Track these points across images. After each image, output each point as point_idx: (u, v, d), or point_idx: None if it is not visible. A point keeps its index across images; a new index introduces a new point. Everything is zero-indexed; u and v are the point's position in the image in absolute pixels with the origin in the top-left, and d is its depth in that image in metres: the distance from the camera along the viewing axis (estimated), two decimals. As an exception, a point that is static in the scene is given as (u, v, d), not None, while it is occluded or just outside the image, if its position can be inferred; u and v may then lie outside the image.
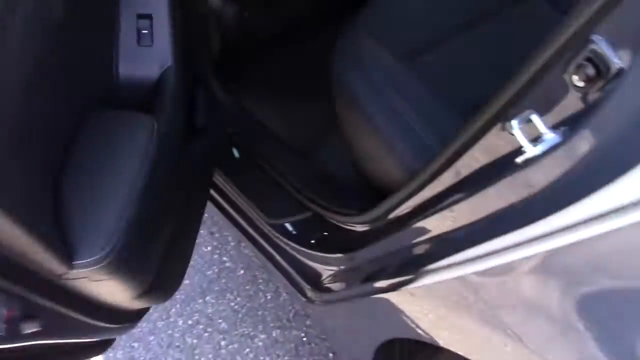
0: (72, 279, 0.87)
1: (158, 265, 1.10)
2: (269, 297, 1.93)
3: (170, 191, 1.13)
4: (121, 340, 1.87)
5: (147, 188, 0.94)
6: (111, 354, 1.86)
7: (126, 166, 0.93)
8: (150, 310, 1.92)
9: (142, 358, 1.86)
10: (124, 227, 0.89)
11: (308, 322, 1.87)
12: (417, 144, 1.19)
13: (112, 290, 0.98)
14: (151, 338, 1.88)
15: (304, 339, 1.84)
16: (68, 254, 0.84)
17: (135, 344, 1.87)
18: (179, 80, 1.10)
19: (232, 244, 2.05)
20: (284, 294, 1.93)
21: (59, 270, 0.84)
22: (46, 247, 0.78)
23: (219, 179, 1.60)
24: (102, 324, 1.07)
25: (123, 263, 0.91)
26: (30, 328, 0.83)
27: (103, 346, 1.30)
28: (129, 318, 1.20)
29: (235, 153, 1.61)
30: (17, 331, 0.81)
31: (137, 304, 1.14)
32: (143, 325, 1.90)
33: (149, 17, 1.07)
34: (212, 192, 1.66)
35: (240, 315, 1.90)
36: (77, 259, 0.84)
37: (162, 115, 1.04)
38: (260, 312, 1.90)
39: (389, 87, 1.24)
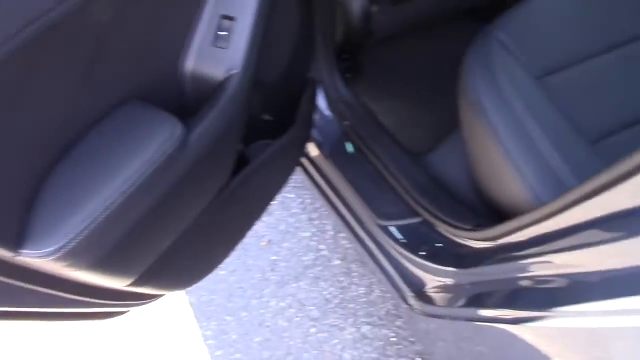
0: (25, 265, 0.84)
1: (149, 261, 1.08)
2: (362, 291, 1.94)
3: (188, 194, 1.08)
4: (217, 311, 1.95)
5: (142, 193, 0.90)
6: (205, 324, 1.94)
7: (124, 167, 0.88)
8: (245, 287, 1.99)
9: (233, 332, 1.92)
10: (94, 228, 0.85)
11: (399, 323, 1.86)
12: (543, 167, 1.15)
13: (88, 277, 0.95)
14: (244, 314, 1.94)
15: (394, 339, 1.84)
16: (16, 242, 0.81)
17: (229, 318, 1.94)
18: (242, 88, 1.06)
19: (331, 233, 2.07)
20: (377, 291, 1.93)
21: (5, 256, 0.81)
22: None
23: (329, 169, 1.62)
24: (91, 300, 1.04)
25: (81, 259, 0.87)
26: None
27: (109, 315, 1.26)
28: (134, 298, 1.19)
29: (349, 147, 1.61)
30: None
31: (139, 290, 1.12)
32: (237, 300, 1.96)
33: (232, 19, 1.04)
34: (320, 180, 1.68)
35: (331, 306, 1.92)
36: (25, 248, 0.81)
37: (202, 122, 1.00)
38: (352, 306, 1.92)
39: (520, 104, 1.20)
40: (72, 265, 0.87)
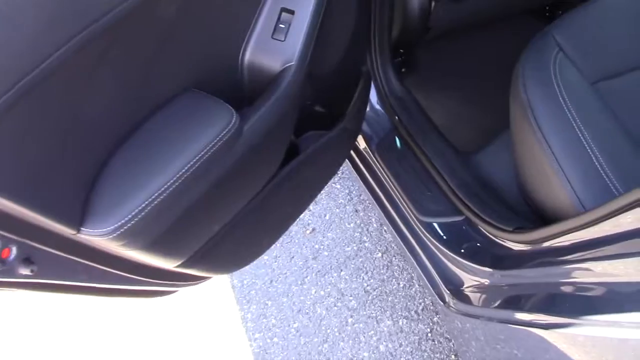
0: (84, 242, 0.88)
1: (199, 244, 1.11)
2: (401, 285, 1.95)
3: (240, 181, 1.11)
4: (257, 295, 1.99)
5: (197, 177, 0.93)
6: (246, 307, 1.98)
7: (180, 153, 0.92)
8: (287, 273, 2.03)
9: (272, 316, 1.96)
10: (150, 210, 0.88)
11: (435, 319, 1.87)
12: (590, 172, 1.13)
13: (140, 257, 0.99)
14: (284, 300, 1.98)
15: (429, 334, 1.85)
16: (78, 220, 0.85)
17: (269, 302, 1.98)
18: (296, 81, 1.08)
19: (375, 225, 2.09)
20: (417, 286, 1.94)
21: (67, 233, 0.85)
22: (51, 216, 0.79)
23: (375, 162, 1.63)
24: (140, 278, 1.08)
25: (136, 239, 0.91)
26: (24, 271, 0.82)
27: (157, 293, 1.28)
28: (182, 279, 1.22)
29: (398, 142, 1.62)
30: (13, 271, 0.81)
31: (188, 271, 1.15)
32: (278, 286, 2.00)
33: (292, 12, 1.06)
34: (365, 173, 1.69)
35: (370, 297, 1.94)
36: (85, 227, 0.85)
37: (256, 112, 1.02)
38: (390, 299, 1.93)
39: (571, 107, 1.19)
40: (127, 245, 0.91)
